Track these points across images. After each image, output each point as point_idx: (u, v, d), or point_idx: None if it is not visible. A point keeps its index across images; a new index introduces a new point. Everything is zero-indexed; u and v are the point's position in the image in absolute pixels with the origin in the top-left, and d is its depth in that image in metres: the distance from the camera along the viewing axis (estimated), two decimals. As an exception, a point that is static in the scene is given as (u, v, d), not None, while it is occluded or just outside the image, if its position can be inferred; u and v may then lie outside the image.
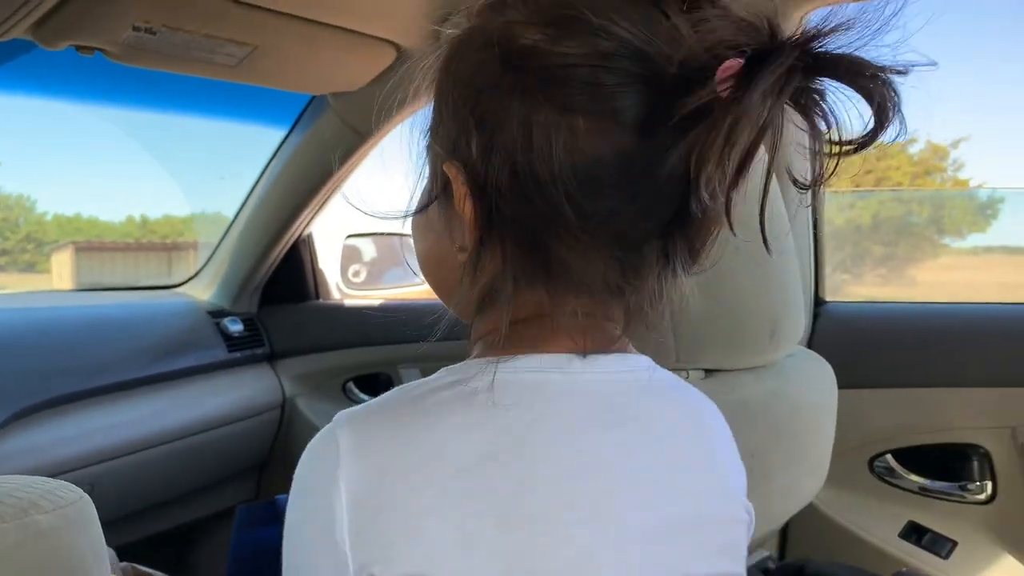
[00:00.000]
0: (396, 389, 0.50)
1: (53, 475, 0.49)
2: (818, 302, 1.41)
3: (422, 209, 0.54)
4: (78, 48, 1.01)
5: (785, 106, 0.42)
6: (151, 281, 1.99)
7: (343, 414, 0.48)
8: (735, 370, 0.87)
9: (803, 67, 0.41)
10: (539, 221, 0.46)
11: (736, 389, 0.84)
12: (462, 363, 0.50)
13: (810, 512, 1.34)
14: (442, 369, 0.50)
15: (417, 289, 1.85)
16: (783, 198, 1.23)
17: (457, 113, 0.49)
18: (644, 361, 0.58)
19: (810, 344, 1.37)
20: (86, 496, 0.46)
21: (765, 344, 0.86)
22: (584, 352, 0.50)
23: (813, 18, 1.26)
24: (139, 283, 1.99)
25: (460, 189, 0.48)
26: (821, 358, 1.05)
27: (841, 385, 1.31)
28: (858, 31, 0.41)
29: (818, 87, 0.42)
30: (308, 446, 0.48)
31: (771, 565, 1.18)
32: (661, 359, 0.82)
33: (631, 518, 0.48)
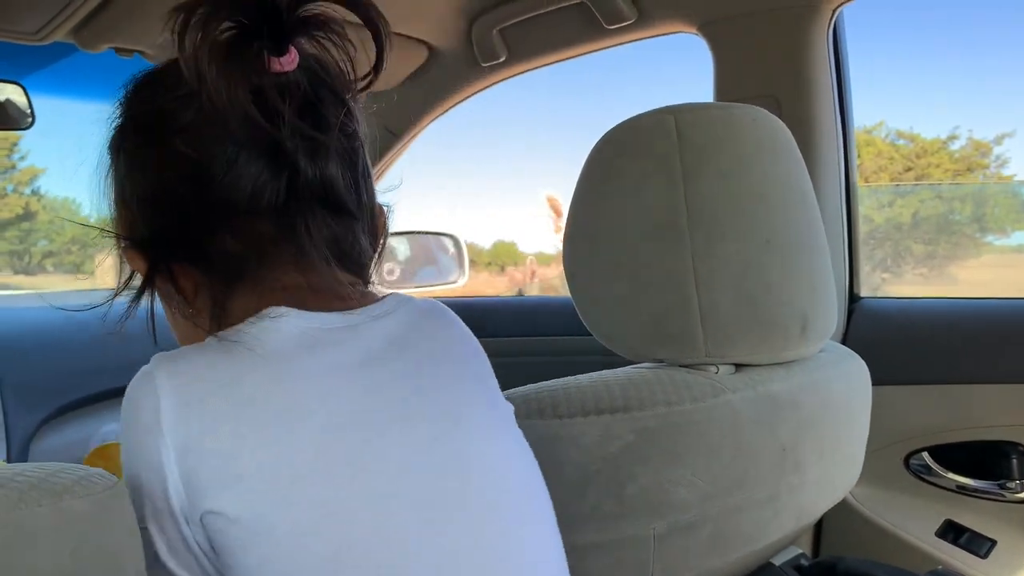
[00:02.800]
0: (210, 337, 0.55)
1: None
2: (853, 298, 1.40)
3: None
4: (117, 51, 1.04)
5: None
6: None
7: (157, 357, 0.53)
8: (765, 365, 0.87)
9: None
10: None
11: (766, 383, 0.84)
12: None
13: (845, 510, 1.33)
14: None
15: (451, 287, 1.87)
16: (816, 192, 1.22)
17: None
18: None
19: (845, 340, 1.36)
20: (120, 482, 0.47)
21: (796, 339, 0.86)
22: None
23: (846, 11, 1.26)
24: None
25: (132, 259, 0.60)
26: (855, 353, 1.04)
27: (876, 382, 1.29)
28: None
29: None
30: (127, 392, 0.52)
31: (804, 563, 1.18)
32: (689, 353, 0.83)
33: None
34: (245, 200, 0.55)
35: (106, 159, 0.61)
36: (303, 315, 0.55)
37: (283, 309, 0.54)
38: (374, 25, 0.55)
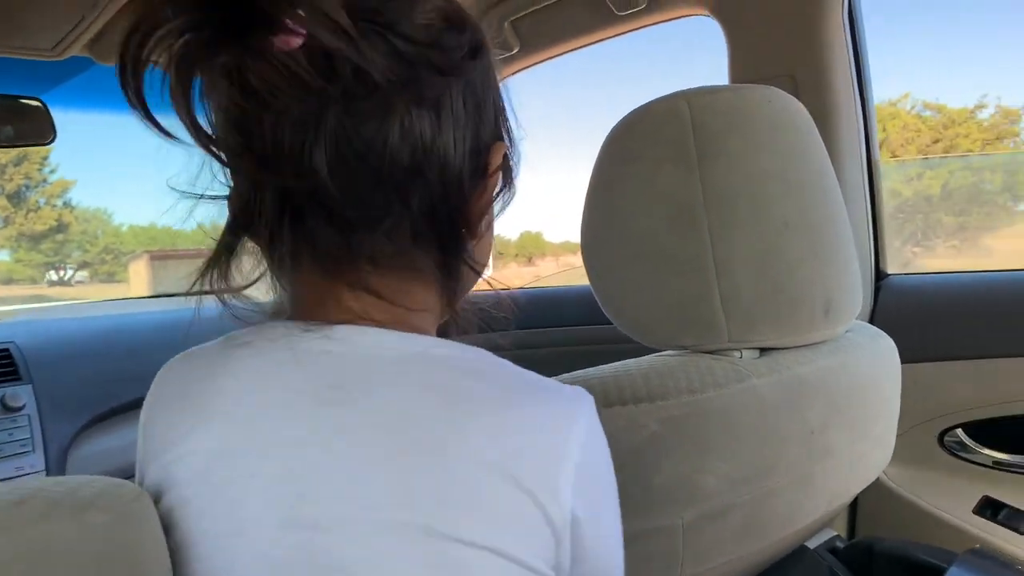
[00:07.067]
0: None
1: (125, 478, 0.51)
2: (880, 276, 1.38)
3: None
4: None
5: None
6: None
7: None
8: (790, 348, 0.86)
9: None
10: None
11: (792, 367, 0.83)
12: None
13: (880, 490, 1.32)
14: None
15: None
16: (837, 170, 1.21)
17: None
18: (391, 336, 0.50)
19: (873, 318, 1.34)
20: (145, 493, 0.48)
21: (820, 321, 0.85)
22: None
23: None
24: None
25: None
26: (882, 332, 1.03)
27: (907, 359, 1.28)
28: None
29: None
30: None
31: (839, 544, 1.17)
32: (712, 339, 0.82)
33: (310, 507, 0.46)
34: None
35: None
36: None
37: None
38: None
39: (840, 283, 0.86)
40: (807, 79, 1.23)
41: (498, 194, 0.57)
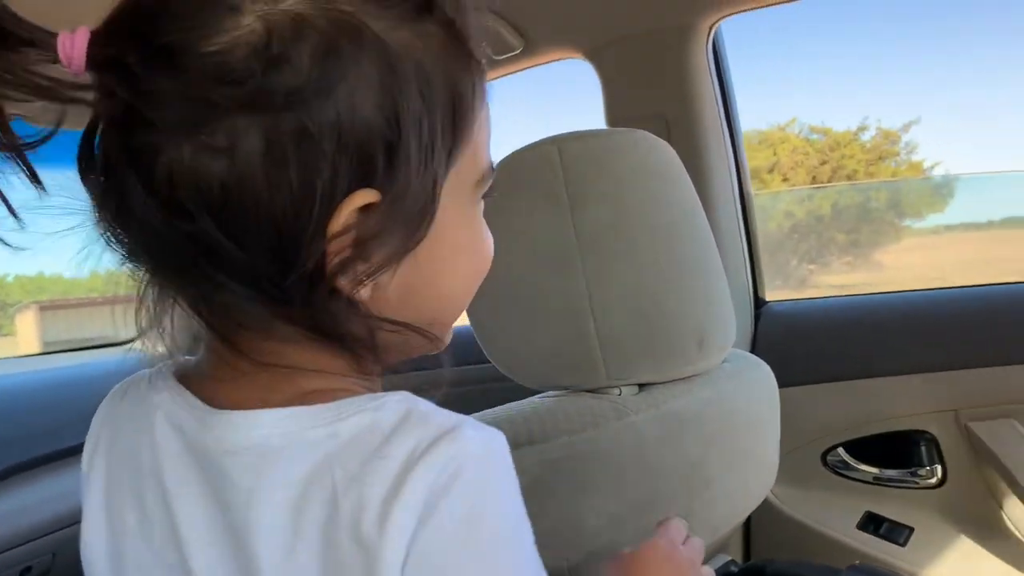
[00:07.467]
0: None
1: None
2: (759, 303, 1.43)
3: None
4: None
5: None
6: (117, 336, 1.98)
7: None
8: (668, 382, 0.88)
9: None
10: None
11: (668, 401, 0.85)
12: None
13: (770, 512, 1.36)
14: None
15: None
16: (710, 205, 1.25)
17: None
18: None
19: (754, 345, 1.39)
20: None
21: (694, 354, 0.87)
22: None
23: (724, 26, 1.30)
24: (108, 339, 1.98)
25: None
26: (759, 360, 1.07)
27: (788, 383, 1.33)
28: None
29: None
30: None
31: (734, 569, 1.19)
32: (591, 378, 0.83)
33: None
34: None
35: None
36: None
37: None
38: None
39: (712, 316, 0.89)
40: (677, 118, 1.28)
41: (358, 248, 0.42)
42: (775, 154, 8.24)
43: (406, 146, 0.41)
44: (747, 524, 1.39)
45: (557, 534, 0.75)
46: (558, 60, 1.34)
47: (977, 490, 1.28)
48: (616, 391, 0.85)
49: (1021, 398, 1.23)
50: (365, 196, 0.41)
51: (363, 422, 0.41)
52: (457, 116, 0.45)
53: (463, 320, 0.92)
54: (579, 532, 0.76)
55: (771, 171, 8.17)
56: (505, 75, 1.36)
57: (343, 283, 0.42)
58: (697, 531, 0.87)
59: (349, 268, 0.42)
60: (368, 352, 0.46)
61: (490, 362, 0.90)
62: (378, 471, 0.39)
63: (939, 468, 1.30)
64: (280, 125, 0.38)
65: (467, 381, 1.62)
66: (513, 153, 0.88)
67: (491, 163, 0.50)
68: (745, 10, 1.20)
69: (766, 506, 1.36)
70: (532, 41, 1.28)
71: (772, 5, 1.16)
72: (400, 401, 0.43)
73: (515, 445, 0.75)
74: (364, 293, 0.44)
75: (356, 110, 0.40)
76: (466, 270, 0.52)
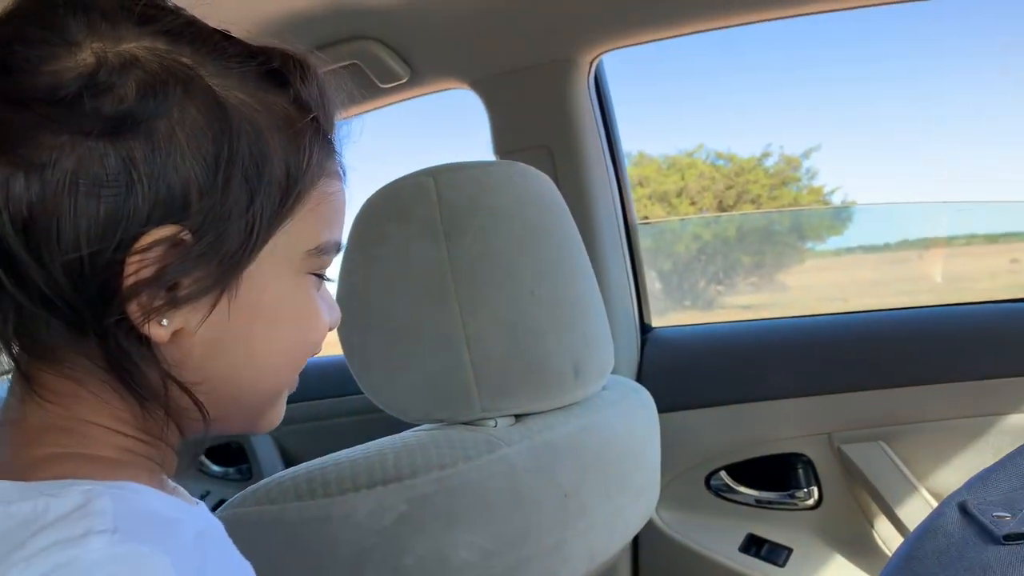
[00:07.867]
0: None
1: None
2: (645, 329, 1.46)
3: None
4: None
5: None
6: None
7: None
8: (545, 412, 0.88)
9: None
10: None
11: (544, 431, 0.85)
12: None
13: (657, 535, 1.38)
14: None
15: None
16: (594, 234, 1.27)
17: None
18: None
19: (640, 370, 1.41)
20: None
21: (570, 383, 0.88)
22: None
23: (606, 59, 1.32)
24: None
25: None
26: (639, 386, 1.08)
27: (673, 408, 1.36)
28: None
29: None
30: None
31: (619, 595, 1.21)
32: (465, 411, 0.83)
33: None
34: None
35: None
36: None
37: None
38: None
39: (588, 345, 0.90)
40: (561, 149, 1.30)
41: (158, 277, 0.41)
42: (683, 179, 8.48)
43: (224, 194, 0.42)
44: (635, 548, 1.41)
45: (425, 570, 0.74)
46: (445, 90, 1.35)
47: (850, 510, 1.32)
48: (491, 423, 0.85)
49: (889, 420, 1.28)
50: (170, 230, 0.41)
51: (36, 508, 0.38)
52: (291, 182, 0.46)
53: (338, 349, 0.91)
54: (447, 567, 0.75)
55: (679, 195, 8.41)
56: (392, 103, 1.36)
57: (133, 309, 0.41)
58: (573, 560, 0.88)
59: (143, 292, 0.41)
60: (159, 407, 0.45)
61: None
62: (16, 564, 0.36)
63: (815, 490, 1.34)
64: (97, 150, 0.39)
65: (344, 412, 1.60)
66: (390, 183, 0.87)
67: (335, 241, 0.51)
68: (625, 46, 1.23)
69: (653, 531, 1.38)
70: (418, 71, 1.28)
71: (651, 42, 1.20)
72: (85, 492, 0.39)
73: (384, 482, 0.74)
74: (160, 333, 0.43)
75: (174, 149, 0.41)
76: (283, 340, 0.50)
